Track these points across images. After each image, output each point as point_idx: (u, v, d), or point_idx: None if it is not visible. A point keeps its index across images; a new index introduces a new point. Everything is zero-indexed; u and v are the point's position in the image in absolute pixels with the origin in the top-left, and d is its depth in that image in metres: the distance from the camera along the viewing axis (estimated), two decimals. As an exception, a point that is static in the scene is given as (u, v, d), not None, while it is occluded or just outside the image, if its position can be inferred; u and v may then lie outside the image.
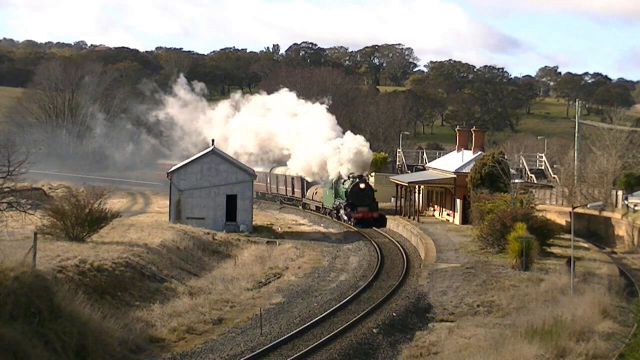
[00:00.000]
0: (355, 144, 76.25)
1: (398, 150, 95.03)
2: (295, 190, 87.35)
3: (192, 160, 67.88)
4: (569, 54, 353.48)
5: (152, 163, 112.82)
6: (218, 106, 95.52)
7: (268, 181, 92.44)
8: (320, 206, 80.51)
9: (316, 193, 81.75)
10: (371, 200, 73.18)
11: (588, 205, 50.96)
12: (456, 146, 79.99)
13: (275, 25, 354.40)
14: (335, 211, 76.13)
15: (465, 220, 65.79)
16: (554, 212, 69.83)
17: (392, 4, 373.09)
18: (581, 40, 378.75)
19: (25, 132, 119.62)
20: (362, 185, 72.92)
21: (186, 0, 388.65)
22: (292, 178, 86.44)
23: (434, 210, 75.61)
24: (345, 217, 73.07)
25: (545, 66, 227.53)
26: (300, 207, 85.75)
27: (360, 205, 72.26)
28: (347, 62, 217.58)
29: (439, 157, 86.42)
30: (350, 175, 74.08)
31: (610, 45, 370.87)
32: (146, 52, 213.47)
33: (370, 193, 73.43)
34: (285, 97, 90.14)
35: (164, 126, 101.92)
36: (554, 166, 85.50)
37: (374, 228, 70.20)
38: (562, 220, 66.81)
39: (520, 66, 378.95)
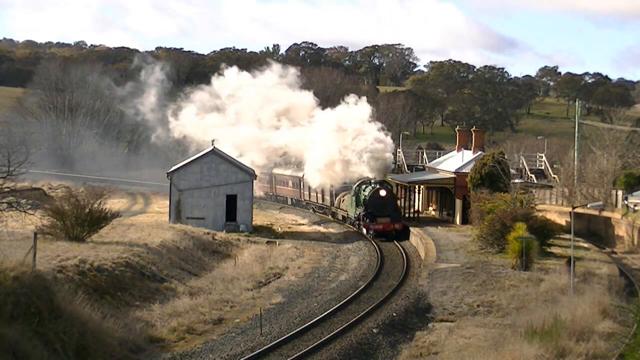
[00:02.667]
0: (377, 144, 67.87)
1: (398, 150, 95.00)
2: (324, 197, 78.58)
3: (192, 160, 67.91)
4: (566, 54, 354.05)
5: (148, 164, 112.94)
6: (195, 95, 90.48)
7: (301, 187, 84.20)
8: (346, 215, 71.99)
9: (343, 201, 72.95)
10: (393, 209, 65.27)
11: (588, 205, 50.99)
12: (456, 146, 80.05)
13: (271, 26, 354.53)
14: (357, 221, 67.88)
15: (465, 220, 65.82)
16: (554, 212, 69.82)
17: (388, 4, 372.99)
18: (578, 41, 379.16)
19: (25, 132, 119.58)
20: (382, 193, 64.81)
21: (182, 0, 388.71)
22: (321, 183, 76.83)
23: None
24: (364, 229, 65.21)
25: (545, 66, 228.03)
26: (330, 216, 77.31)
27: (380, 216, 64.15)
28: (347, 62, 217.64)
29: (439, 157, 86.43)
30: (371, 181, 66.56)
31: (607, 46, 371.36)
32: (146, 52, 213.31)
33: (392, 201, 65.74)
34: (229, 78, 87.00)
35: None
36: (554, 166, 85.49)
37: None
38: (562, 220, 66.81)
39: (518, 66, 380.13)
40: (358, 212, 66.97)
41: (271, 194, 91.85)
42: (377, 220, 63.94)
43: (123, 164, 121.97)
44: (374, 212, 64.39)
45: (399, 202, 74.33)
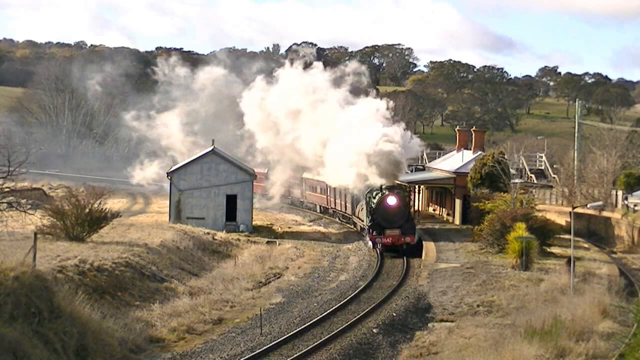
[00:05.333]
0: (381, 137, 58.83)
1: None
2: (347, 205, 70.52)
3: (192, 160, 67.86)
4: (564, 54, 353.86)
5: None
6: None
7: (328, 193, 76.41)
8: (363, 226, 62.68)
9: (362, 209, 63.54)
10: (405, 220, 56.22)
11: (588, 205, 51.01)
12: (456, 146, 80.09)
13: (269, 26, 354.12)
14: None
15: (465, 220, 65.83)
16: (554, 212, 69.83)
17: (383, 4, 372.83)
18: (574, 41, 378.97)
19: (25, 132, 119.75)
20: (391, 201, 56.14)
21: (179, 0, 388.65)
22: (344, 190, 68.91)
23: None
24: (370, 243, 56.88)
25: (545, 66, 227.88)
26: (353, 226, 69.15)
27: (389, 227, 55.79)
28: (347, 62, 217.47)
29: (439, 157, 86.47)
30: (382, 187, 58.00)
31: (604, 46, 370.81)
32: (146, 52, 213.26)
33: (403, 211, 56.78)
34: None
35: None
36: (554, 166, 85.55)
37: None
38: (562, 220, 66.80)
39: (516, 66, 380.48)
40: (368, 223, 58.81)
41: (301, 200, 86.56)
42: (386, 232, 55.63)
43: (123, 163, 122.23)
44: (382, 222, 56.00)
45: None
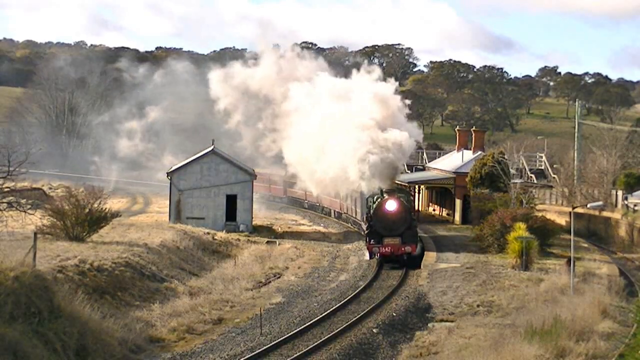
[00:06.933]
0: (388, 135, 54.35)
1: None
2: (357, 210, 66.47)
3: (192, 160, 67.83)
4: (562, 53, 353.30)
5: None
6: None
7: (341, 198, 72.36)
8: None
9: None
10: (406, 227, 51.22)
11: (588, 205, 51.05)
12: (456, 146, 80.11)
13: (268, 26, 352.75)
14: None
15: (465, 220, 65.87)
16: (554, 212, 69.85)
17: (382, 4, 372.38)
18: (572, 41, 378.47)
19: (25, 132, 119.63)
20: (390, 206, 51.43)
21: (176, 0, 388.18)
22: (353, 194, 65.00)
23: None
24: (367, 253, 52.70)
25: (545, 66, 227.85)
26: (362, 232, 61.71)
27: (388, 235, 51.14)
28: (347, 62, 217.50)
29: (439, 157, 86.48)
30: (382, 190, 53.38)
31: (602, 45, 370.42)
32: (146, 52, 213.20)
33: (405, 217, 51.44)
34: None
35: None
36: (554, 166, 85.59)
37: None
38: (562, 220, 66.82)
39: (515, 66, 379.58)
40: (365, 230, 54.94)
41: (317, 204, 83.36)
42: (384, 240, 51.04)
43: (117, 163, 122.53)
44: (380, 230, 51.31)
45: None
